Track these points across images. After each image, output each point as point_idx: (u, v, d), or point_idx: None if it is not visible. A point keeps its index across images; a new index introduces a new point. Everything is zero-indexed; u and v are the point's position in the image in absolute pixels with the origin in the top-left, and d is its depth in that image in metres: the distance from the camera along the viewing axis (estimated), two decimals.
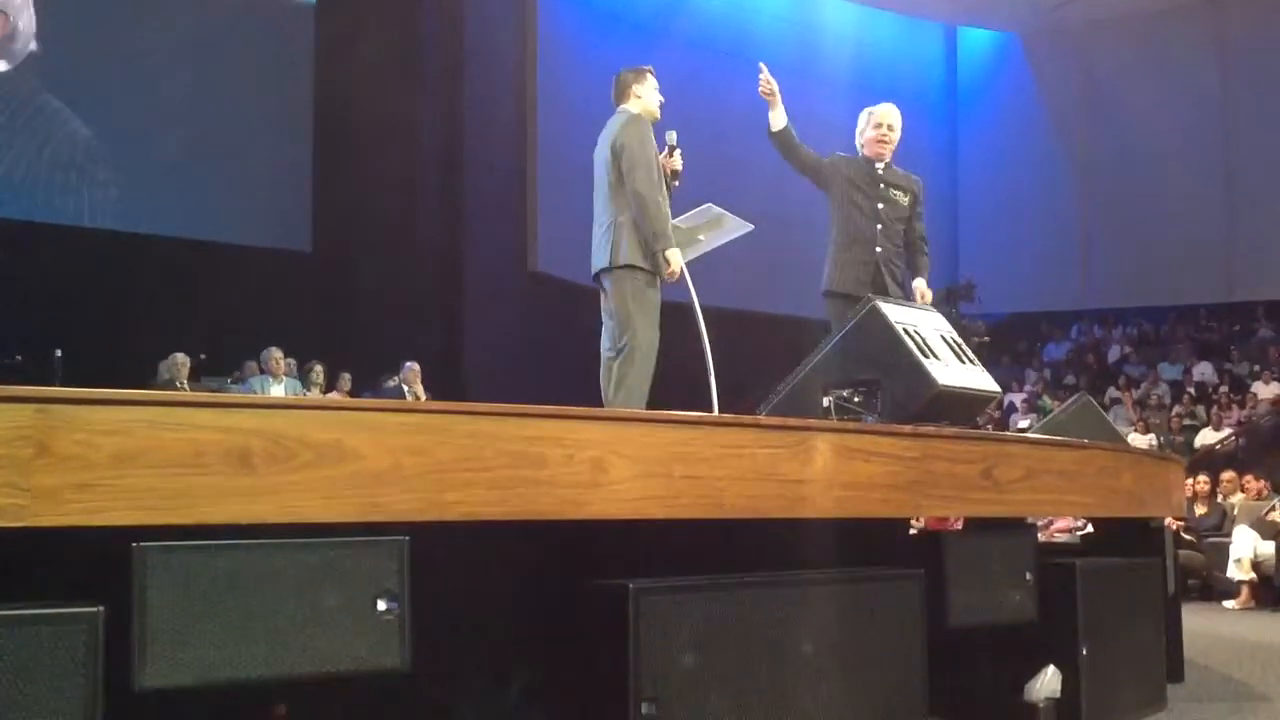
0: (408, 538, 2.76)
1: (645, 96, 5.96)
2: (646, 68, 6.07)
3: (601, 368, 5.88)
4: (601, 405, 5.62)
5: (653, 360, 5.69)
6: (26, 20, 13.47)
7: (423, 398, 12.26)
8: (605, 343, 5.90)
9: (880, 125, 6.42)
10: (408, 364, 12.74)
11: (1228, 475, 12.81)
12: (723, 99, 16.94)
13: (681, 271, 5.92)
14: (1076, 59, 20.21)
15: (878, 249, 6.27)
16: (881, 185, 6.37)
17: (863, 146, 6.45)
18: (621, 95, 5.99)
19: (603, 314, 5.96)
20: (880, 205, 6.33)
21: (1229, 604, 10.75)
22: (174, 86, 14.02)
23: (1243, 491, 12.54)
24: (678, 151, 6.00)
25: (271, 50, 14.80)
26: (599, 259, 5.83)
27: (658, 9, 16.93)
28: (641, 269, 5.70)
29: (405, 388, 12.60)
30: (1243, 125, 18.84)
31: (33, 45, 13.45)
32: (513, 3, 16.39)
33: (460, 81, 15.90)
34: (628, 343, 5.65)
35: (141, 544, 2.45)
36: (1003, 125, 20.90)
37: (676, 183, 5.98)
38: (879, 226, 6.30)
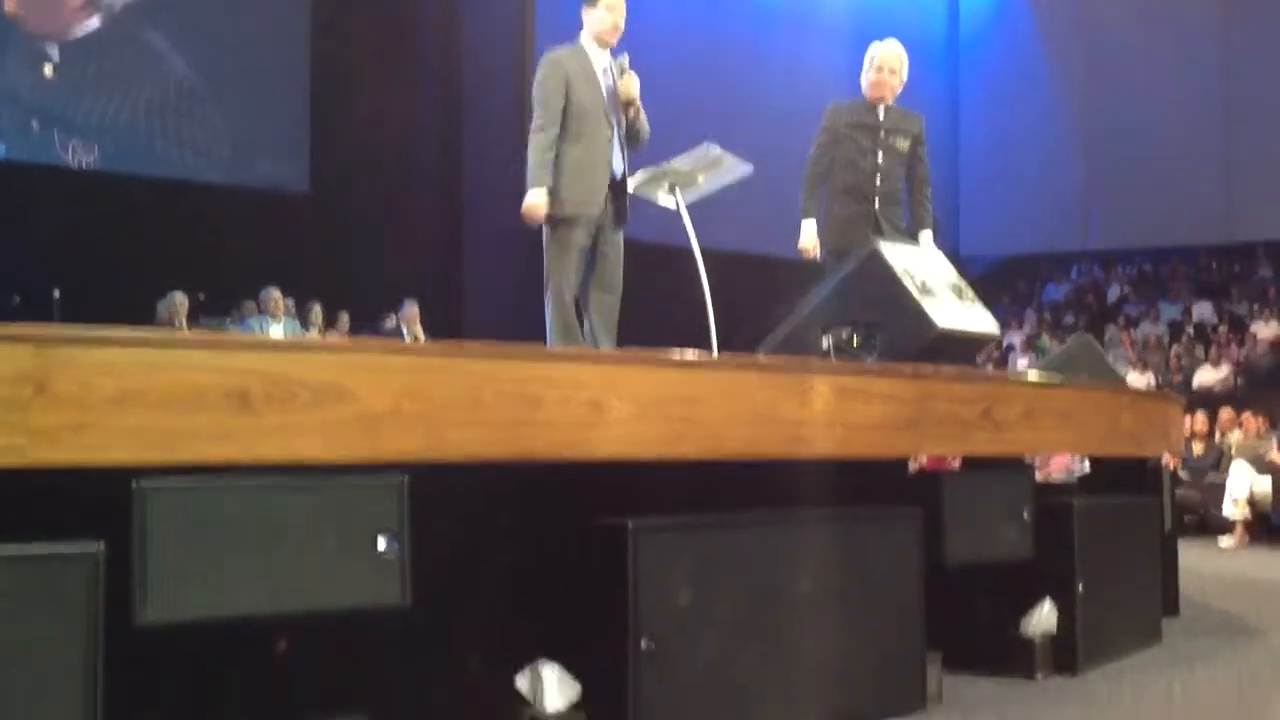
0: (407, 476, 2.77)
1: (594, 21, 5.68)
2: None
3: None
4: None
5: (567, 295, 5.59)
6: None
7: (421, 338, 12.26)
8: None
9: (882, 68, 6.30)
10: (406, 303, 12.73)
11: (1225, 413, 12.82)
12: (721, 41, 16.80)
13: (680, 209, 5.88)
14: (1078, 7, 20.06)
15: (876, 201, 6.22)
16: (882, 133, 6.25)
17: (866, 88, 6.31)
18: (582, 22, 5.75)
19: None
20: (880, 154, 6.24)
21: (1224, 540, 10.81)
22: (169, 26, 13.91)
23: (1240, 429, 12.56)
24: (629, 75, 5.65)
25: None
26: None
27: None
28: (550, 215, 5.58)
29: (404, 328, 12.59)
30: (1243, 67, 18.70)
31: None
32: None
33: (459, 17, 15.77)
34: (545, 282, 5.67)
35: (141, 482, 2.45)
36: (1004, 70, 20.75)
37: (632, 111, 5.69)
38: (878, 179, 6.23)
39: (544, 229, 5.66)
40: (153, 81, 13.81)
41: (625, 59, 5.70)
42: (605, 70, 5.71)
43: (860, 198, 6.22)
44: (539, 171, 5.58)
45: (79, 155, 13.35)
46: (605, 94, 5.67)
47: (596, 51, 5.70)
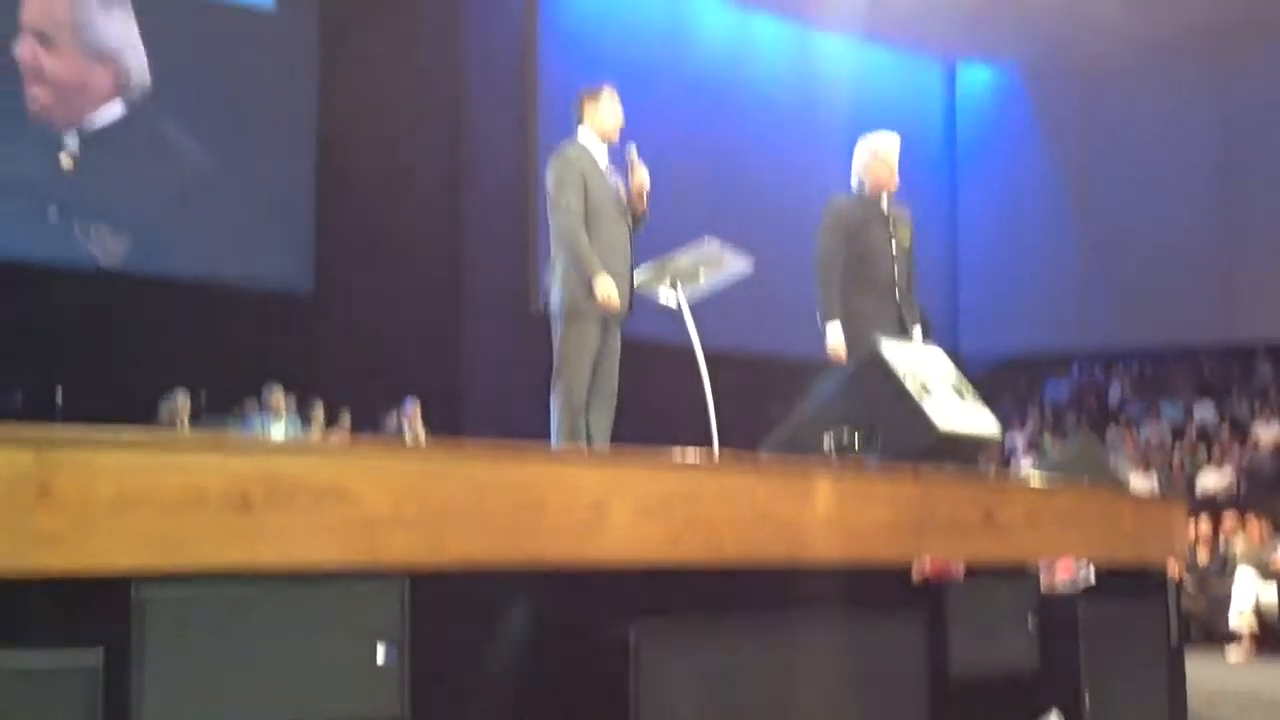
0: (407, 580, 2.75)
1: (598, 116, 5.70)
2: (603, 84, 5.81)
3: None
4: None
5: (579, 393, 5.55)
6: (137, 60, 13.68)
7: (423, 436, 12.25)
8: None
9: (887, 159, 6.29)
10: (408, 402, 12.73)
11: (1229, 519, 12.76)
12: (722, 137, 17.01)
13: (681, 306, 5.89)
14: (1076, 94, 20.27)
15: (897, 294, 6.19)
16: (891, 224, 6.21)
17: (867, 180, 6.24)
18: (579, 117, 5.76)
19: None
20: (893, 242, 6.20)
21: (1232, 653, 10.67)
22: (174, 125, 14.08)
23: (1244, 532, 12.49)
24: (639, 166, 5.66)
25: (273, 91, 14.85)
26: (543, 297, 5.83)
27: (657, 51, 17.01)
28: (569, 306, 5.57)
29: (406, 426, 12.58)
30: (1243, 163, 18.87)
31: (147, 80, 13.67)
32: (514, 44, 16.47)
33: (462, 122, 15.96)
34: (554, 376, 5.61)
35: (140, 586, 2.44)
36: (1002, 162, 20.94)
37: (642, 203, 5.70)
38: (895, 267, 6.19)
39: (558, 324, 5.63)
40: (158, 180, 13.95)
41: (634, 149, 5.69)
42: (609, 166, 5.74)
43: (885, 293, 6.13)
44: (593, 259, 5.52)
45: (104, 245, 13.50)
46: (614, 189, 5.69)
47: (599, 146, 5.72)
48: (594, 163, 5.69)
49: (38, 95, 13.30)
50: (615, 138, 5.76)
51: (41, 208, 13.20)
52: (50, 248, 13.20)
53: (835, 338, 6.01)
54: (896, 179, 6.28)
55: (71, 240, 13.30)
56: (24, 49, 13.27)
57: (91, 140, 13.50)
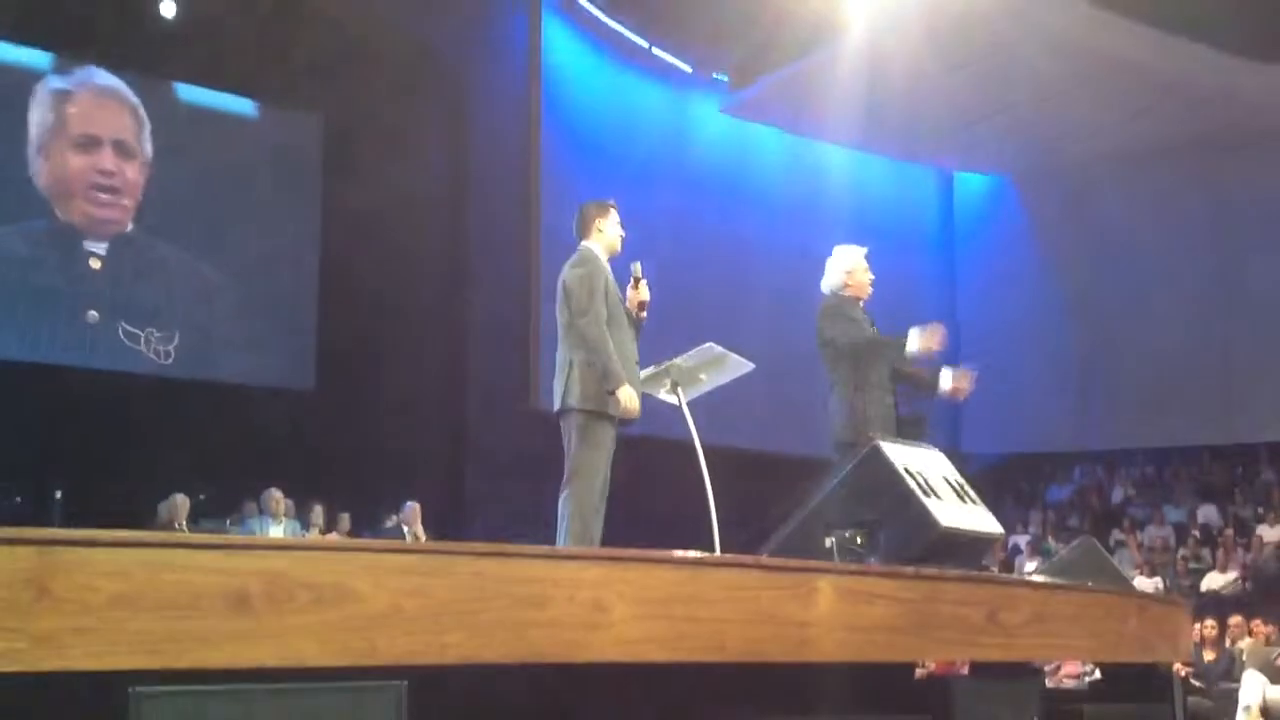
0: (405, 682, 2.73)
1: (606, 231, 5.86)
2: (609, 201, 5.98)
3: None
4: (609, 539, 5.56)
5: (593, 497, 5.56)
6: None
7: (422, 538, 12.17)
8: None
9: (867, 268, 6.50)
10: (408, 504, 12.69)
11: (1235, 620, 12.65)
12: (721, 238, 17.15)
13: (682, 407, 5.91)
14: (1071, 200, 20.45)
15: (894, 396, 6.30)
16: (873, 326, 6.42)
17: (852, 286, 6.41)
18: (584, 229, 5.89)
19: None
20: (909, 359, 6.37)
21: None
22: (175, 223, 14.22)
23: (1250, 636, 12.37)
24: (643, 283, 5.87)
25: (275, 189, 15.01)
26: (555, 400, 5.78)
27: (659, 151, 17.22)
28: (588, 410, 5.61)
29: (405, 528, 12.52)
30: (1239, 265, 18.98)
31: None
32: (516, 144, 16.66)
33: (464, 221, 16.09)
34: (568, 479, 5.60)
35: (138, 688, 2.42)
36: (999, 266, 21.07)
37: (643, 314, 5.88)
38: (889, 376, 6.33)
39: (573, 426, 5.63)
40: (154, 282, 14.05)
41: (638, 266, 5.88)
42: (613, 277, 5.85)
43: (888, 393, 6.30)
44: (620, 370, 5.59)
45: (155, 344, 13.62)
46: (619, 300, 5.82)
47: (606, 259, 5.85)
48: (609, 274, 5.81)
49: (109, 203, 13.48)
50: (618, 249, 5.91)
51: (72, 311, 13.31)
52: (75, 352, 13.32)
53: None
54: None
55: (114, 343, 13.41)
56: (107, 159, 13.47)
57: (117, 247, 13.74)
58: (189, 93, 14.55)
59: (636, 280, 5.87)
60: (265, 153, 14.99)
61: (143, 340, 13.73)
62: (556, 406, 5.74)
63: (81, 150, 13.42)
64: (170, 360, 13.89)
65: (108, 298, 13.55)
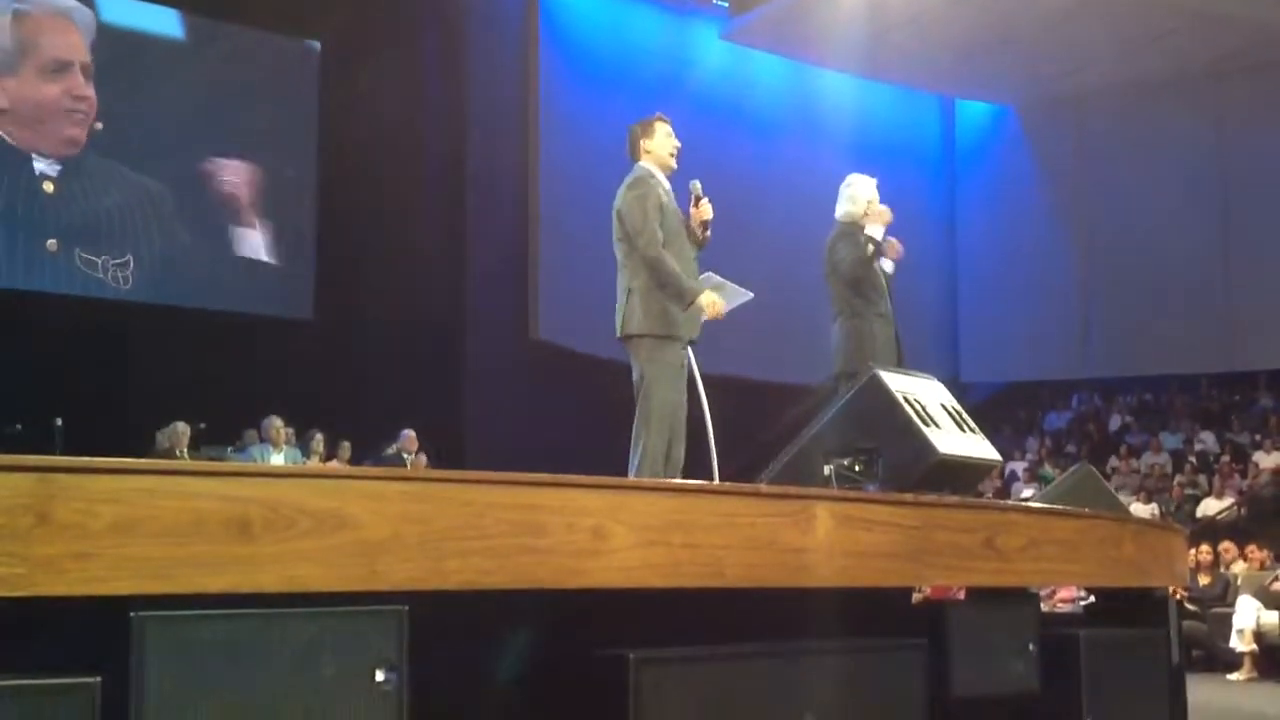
0: (406, 607, 2.75)
1: (655, 148, 5.75)
2: (655, 116, 5.85)
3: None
4: (608, 469, 5.55)
5: (670, 424, 5.52)
6: None
7: (423, 464, 12.23)
8: None
9: (877, 197, 6.46)
10: (404, 431, 12.73)
11: (1227, 545, 12.75)
12: (723, 167, 17.05)
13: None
14: (1073, 130, 20.34)
15: (894, 320, 6.32)
16: (882, 258, 6.41)
17: (871, 215, 6.41)
18: (632, 151, 5.80)
19: None
20: (886, 275, 6.37)
21: (1232, 676, 10.65)
22: (173, 154, 14.13)
23: (1245, 561, 12.47)
24: (704, 201, 5.76)
25: (274, 118, 14.92)
26: (617, 328, 5.68)
27: (658, 79, 17.07)
28: (653, 335, 5.55)
29: (405, 455, 12.58)
30: (1240, 195, 18.92)
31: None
32: (515, 72, 16.54)
33: (463, 150, 16.01)
34: (641, 408, 5.52)
35: (139, 613, 2.43)
36: (1000, 195, 20.99)
37: (707, 233, 5.79)
38: (892, 298, 6.35)
39: (637, 353, 5.58)
40: (157, 209, 13.98)
41: (698, 184, 5.77)
42: (671, 193, 5.77)
43: (889, 322, 6.31)
44: (688, 281, 5.55)
45: (112, 270, 13.49)
46: (679, 217, 5.74)
47: (661, 175, 5.75)
48: (665, 191, 5.72)
49: (82, 123, 13.34)
50: (673, 165, 5.80)
51: (37, 239, 13.19)
52: (49, 279, 13.23)
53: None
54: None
55: (79, 271, 13.32)
56: (79, 83, 13.30)
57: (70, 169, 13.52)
58: (178, 18, 14.35)
59: (697, 199, 5.77)
60: (262, 79, 14.86)
61: (118, 267, 13.63)
62: (619, 333, 5.65)
63: (54, 77, 13.27)
64: (166, 289, 13.87)
65: (64, 222, 13.40)
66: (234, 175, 14.51)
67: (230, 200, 14.49)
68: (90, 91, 13.50)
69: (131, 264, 13.72)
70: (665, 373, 5.56)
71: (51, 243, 13.24)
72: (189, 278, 14.06)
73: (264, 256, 14.74)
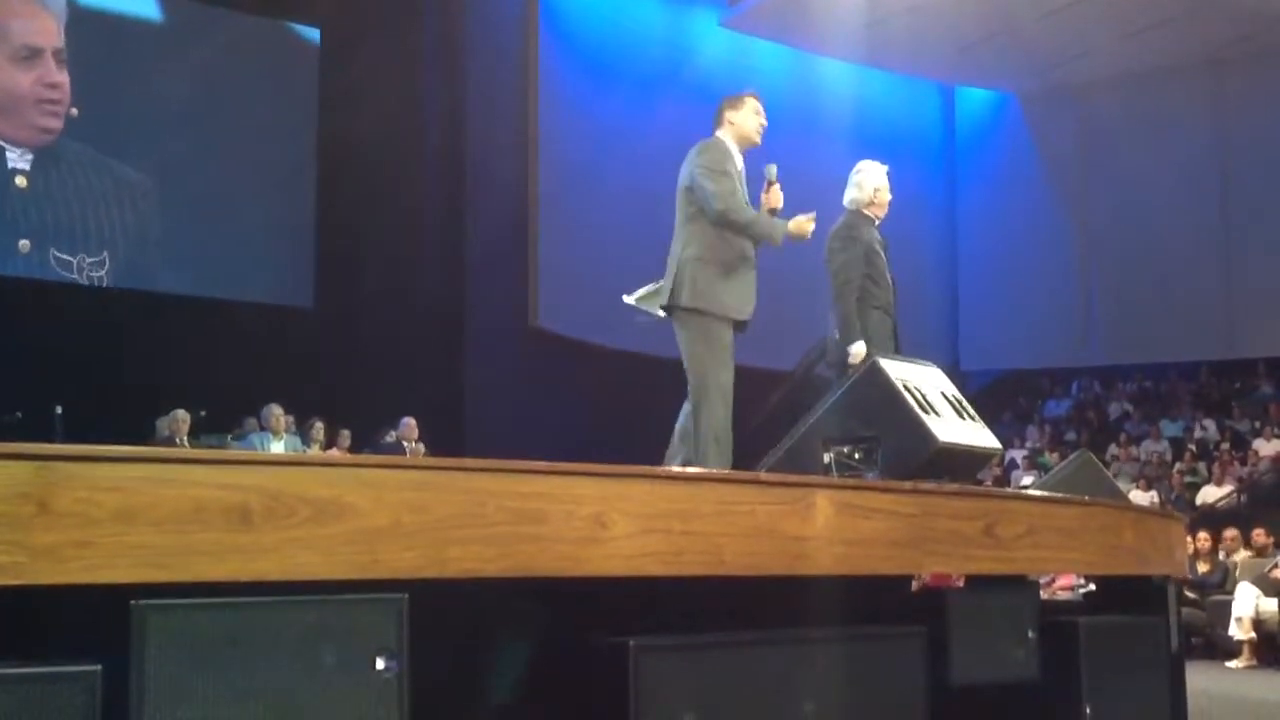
0: (406, 595, 2.75)
1: (740, 121, 5.67)
2: (748, 92, 5.77)
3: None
4: (608, 456, 5.53)
5: (728, 402, 5.42)
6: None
7: (421, 452, 12.24)
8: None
9: (889, 187, 6.44)
10: (404, 419, 12.73)
11: (1230, 532, 12.77)
12: None
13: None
14: (1074, 118, 20.32)
15: (892, 313, 6.30)
16: (885, 246, 6.40)
17: (876, 204, 6.39)
18: (716, 123, 5.71)
19: None
20: (887, 264, 6.36)
21: (1231, 663, 10.68)
22: (174, 142, 14.10)
23: (1248, 547, 12.48)
24: (775, 186, 5.61)
25: (273, 105, 14.90)
26: (664, 297, 5.57)
27: (658, 65, 17.06)
28: (706, 311, 5.45)
29: (405, 443, 12.58)
30: (1240, 182, 18.92)
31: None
32: (513, 58, 16.51)
33: (462, 137, 16.00)
34: (698, 385, 5.41)
35: (140, 602, 2.44)
36: (1001, 183, 20.98)
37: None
38: (893, 290, 6.33)
39: (687, 327, 5.48)
40: (158, 196, 13.96)
41: (774, 169, 5.65)
42: (743, 173, 5.68)
43: (887, 314, 6.29)
44: (765, 219, 5.48)
45: (86, 270, 13.36)
46: (750, 202, 5.62)
47: (738, 152, 5.68)
48: (736, 162, 5.64)
49: (55, 113, 13.01)
50: (757, 141, 5.72)
51: (23, 230, 12.96)
52: (46, 268, 13.16)
53: (862, 358, 5.95)
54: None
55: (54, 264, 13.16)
56: (52, 71, 12.97)
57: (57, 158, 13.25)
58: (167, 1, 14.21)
59: (770, 184, 5.62)
60: (259, 66, 14.84)
61: (93, 266, 13.50)
62: (666, 303, 5.53)
63: (26, 64, 12.85)
64: (166, 277, 13.86)
65: (36, 220, 13.08)
66: (230, 162, 14.46)
67: (227, 187, 14.45)
68: (63, 78, 13.04)
69: (108, 263, 13.42)
70: (717, 353, 5.45)
71: (24, 243, 12.91)
72: (186, 266, 14.03)
73: (263, 244, 14.72)
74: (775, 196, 5.59)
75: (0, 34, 12.78)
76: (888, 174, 6.48)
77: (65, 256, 13.21)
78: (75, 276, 13.22)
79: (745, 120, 5.67)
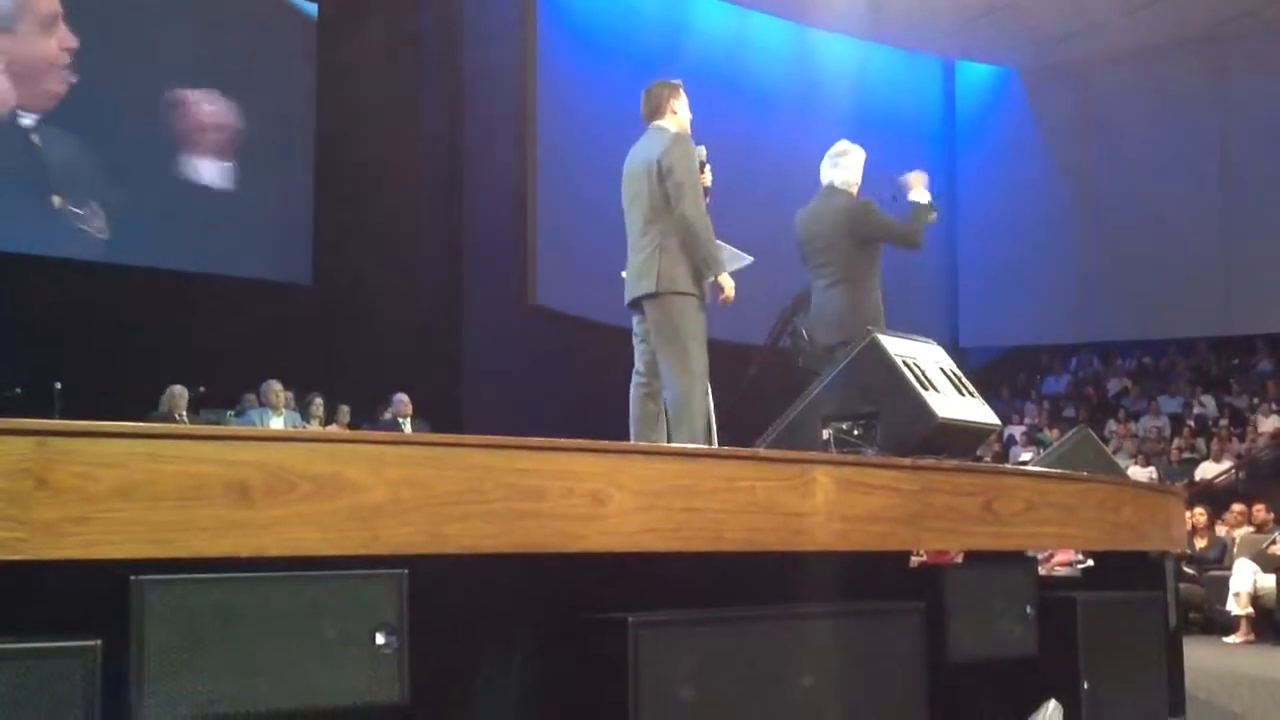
0: (406, 570, 2.75)
1: (681, 112, 5.76)
2: (677, 81, 5.86)
3: (632, 390, 5.78)
4: (606, 434, 5.55)
5: (705, 399, 5.59)
6: None
7: (410, 428, 12.25)
8: (638, 366, 5.78)
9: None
10: (398, 396, 12.73)
11: (1238, 508, 12.79)
12: (721, 133, 16.97)
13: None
14: (1075, 94, 20.27)
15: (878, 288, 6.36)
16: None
17: (855, 186, 6.44)
18: (656, 111, 5.76)
19: (635, 338, 5.83)
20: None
21: (1229, 639, 10.71)
22: (163, 115, 14.05)
23: (1249, 523, 12.49)
24: (708, 168, 5.78)
25: (272, 82, 14.85)
26: (644, 283, 5.60)
27: (656, 45, 16.99)
28: (691, 294, 5.56)
29: (401, 420, 12.58)
30: (1241, 159, 18.89)
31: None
32: (512, 37, 16.45)
33: (460, 115, 15.95)
34: (678, 371, 5.51)
35: (139, 577, 2.44)
36: (1001, 159, 20.94)
37: (708, 200, 5.76)
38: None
39: (670, 311, 5.57)
40: (156, 172, 13.93)
41: (704, 150, 5.77)
42: None
43: (877, 291, 6.35)
44: (723, 257, 5.66)
45: (86, 241, 13.38)
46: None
47: None
48: None
49: (68, 76, 13.03)
50: (689, 133, 5.82)
51: (26, 202, 12.98)
52: (46, 242, 13.14)
53: None
54: None
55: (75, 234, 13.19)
56: (67, 35, 12.98)
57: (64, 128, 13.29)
58: None
59: (702, 164, 5.73)
60: (259, 41, 14.78)
61: (135, 234, 13.57)
62: (650, 290, 5.59)
63: (48, 30, 12.97)
64: (165, 253, 13.82)
65: (52, 177, 13.16)
66: (224, 121, 14.35)
67: (223, 155, 14.40)
68: (75, 42, 13.19)
69: (107, 216, 13.49)
70: (700, 333, 5.58)
71: (56, 199, 13.07)
72: (185, 241, 14.00)
73: (261, 221, 14.69)
74: (705, 178, 5.75)
75: (29, 2, 12.86)
76: (863, 156, 6.51)
77: (75, 210, 13.31)
78: (84, 228, 13.22)
79: (685, 111, 5.81)
